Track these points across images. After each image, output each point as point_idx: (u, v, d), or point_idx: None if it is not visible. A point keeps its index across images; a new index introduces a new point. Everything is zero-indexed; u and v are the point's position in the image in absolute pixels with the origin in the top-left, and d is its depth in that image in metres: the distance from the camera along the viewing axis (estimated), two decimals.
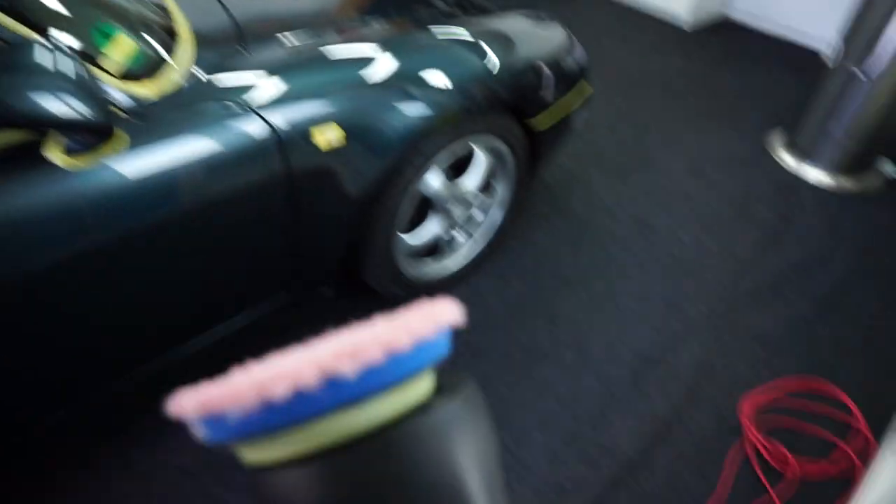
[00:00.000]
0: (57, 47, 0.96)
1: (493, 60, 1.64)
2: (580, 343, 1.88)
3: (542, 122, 1.84)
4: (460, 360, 1.79)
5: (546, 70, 1.77)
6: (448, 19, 1.76)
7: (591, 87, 2.06)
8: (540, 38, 1.87)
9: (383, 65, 1.44)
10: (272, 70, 1.32)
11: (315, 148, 1.30)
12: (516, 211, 2.07)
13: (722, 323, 1.99)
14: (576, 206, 2.39)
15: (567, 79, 1.88)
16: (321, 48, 1.43)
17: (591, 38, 2.90)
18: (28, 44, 0.94)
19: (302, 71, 1.36)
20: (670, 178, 2.59)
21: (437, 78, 1.51)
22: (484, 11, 1.90)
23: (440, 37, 1.64)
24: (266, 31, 1.47)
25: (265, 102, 1.25)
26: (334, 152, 1.33)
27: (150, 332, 1.31)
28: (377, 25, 1.64)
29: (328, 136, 1.31)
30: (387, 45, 1.50)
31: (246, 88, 1.26)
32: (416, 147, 1.51)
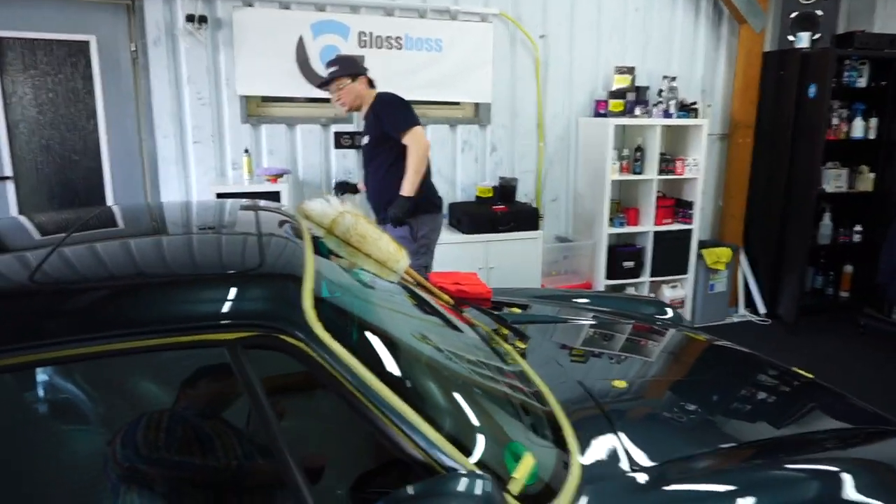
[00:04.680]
0: (482, 475, 1.01)
1: None
2: None
3: None
4: None
5: None
6: (808, 446, 1.51)
7: None
8: None
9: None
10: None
11: None
12: None
13: None
14: None
15: None
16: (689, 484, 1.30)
17: None
18: (456, 474, 1.03)
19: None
20: None
21: None
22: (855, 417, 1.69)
23: (801, 471, 1.39)
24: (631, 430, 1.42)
25: None
26: None
27: None
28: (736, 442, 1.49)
29: None
30: (743, 479, 1.32)
31: None
32: None
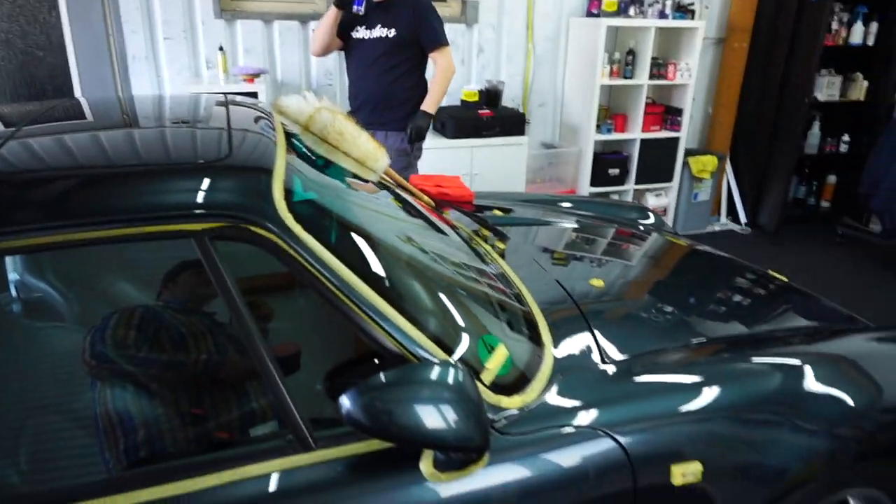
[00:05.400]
0: (455, 365, 1.02)
1: (847, 397, 1.37)
2: None
3: None
4: None
5: None
6: (786, 334, 1.61)
7: None
8: None
9: (718, 392, 1.30)
10: (618, 389, 1.30)
11: (667, 479, 1.19)
12: None
13: None
14: None
15: None
16: (661, 365, 1.38)
17: None
18: (428, 362, 1.05)
19: (642, 392, 1.30)
20: None
21: (787, 414, 1.31)
22: (825, 315, 1.79)
23: (781, 360, 1.43)
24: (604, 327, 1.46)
25: (616, 423, 1.19)
26: (687, 488, 1.21)
27: None
28: (705, 339, 1.53)
29: (680, 470, 1.20)
30: (719, 369, 1.38)
31: (591, 406, 1.22)
32: (781, 498, 1.29)
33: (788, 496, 1.30)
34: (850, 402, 1.37)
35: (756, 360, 1.44)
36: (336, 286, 1.04)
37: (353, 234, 1.23)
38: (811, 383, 1.39)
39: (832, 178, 4.89)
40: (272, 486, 1.01)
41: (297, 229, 1.03)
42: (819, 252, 4.37)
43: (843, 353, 1.52)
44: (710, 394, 1.30)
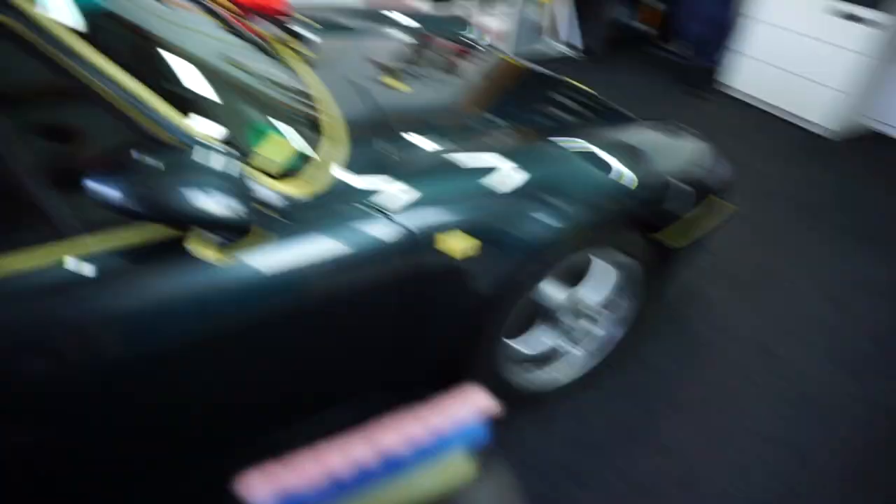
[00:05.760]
0: (215, 147, 1.05)
1: (622, 174, 1.59)
2: (689, 483, 1.69)
3: (675, 239, 1.77)
4: (558, 485, 1.65)
5: (681, 185, 1.71)
6: (573, 130, 1.73)
7: (732, 205, 1.94)
8: (674, 150, 1.83)
9: (509, 175, 1.45)
10: (409, 176, 1.37)
11: (443, 255, 1.33)
12: (633, 327, 1.91)
13: (854, 480, 1.73)
14: (696, 327, 2.24)
15: (705, 195, 1.81)
16: (450, 155, 1.48)
17: (722, 143, 2.10)
18: (189, 144, 1.05)
19: (433, 178, 1.41)
20: (802, 303, 2.40)
21: (564, 191, 1.49)
22: (615, 119, 1.93)
23: (566, 149, 1.60)
24: (404, 126, 1.55)
25: (401, 207, 1.31)
26: (463, 261, 1.35)
27: (254, 412, 1.40)
28: (501, 132, 1.66)
29: (459, 245, 1.34)
30: (512, 155, 1.51)
31: (382, 192, 1.32)
32: (537, 256, 1.49)
33: (545, 261, 1.54)
34: (617, 180, 1.58)
35: (539, 148, 1.60)
36: (92, 75, 1.00)
37: (120, 29, 1.17)
38: (583, 164, 1.58)
39: (661, 6, 5.16)
40: (36, 280, 1.01)
41: (44, 20, 0.96)
42: (635, 72, 4.71)
43: (619, 139, 1.73)
44: (493, 177, 1.44)
